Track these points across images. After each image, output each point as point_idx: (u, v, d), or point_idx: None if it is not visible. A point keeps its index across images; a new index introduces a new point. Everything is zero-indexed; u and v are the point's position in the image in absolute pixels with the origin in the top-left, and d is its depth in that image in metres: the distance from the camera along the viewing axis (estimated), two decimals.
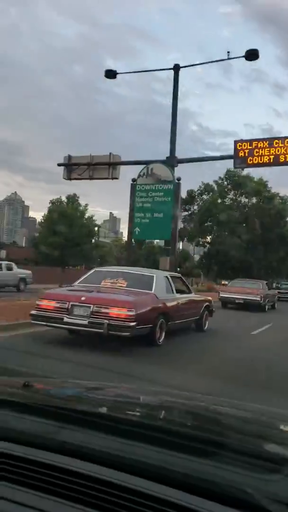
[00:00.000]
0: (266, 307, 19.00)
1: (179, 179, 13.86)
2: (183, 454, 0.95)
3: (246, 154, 14.10)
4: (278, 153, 13.62)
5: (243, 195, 39.75)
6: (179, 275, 10.15)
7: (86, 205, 41.70)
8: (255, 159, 13.99)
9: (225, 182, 40.59)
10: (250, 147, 14.13)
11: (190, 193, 37.95)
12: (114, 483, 0.87)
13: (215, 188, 40.35)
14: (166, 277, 8.69)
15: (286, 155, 13.63)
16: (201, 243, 40.12)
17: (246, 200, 40.35)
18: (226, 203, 38.49)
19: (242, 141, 14.11)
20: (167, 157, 14.05)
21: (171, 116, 14.14)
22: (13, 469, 0.94)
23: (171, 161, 14.06)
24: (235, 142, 13.99)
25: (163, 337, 7.77)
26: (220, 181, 40.42)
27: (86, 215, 38.79)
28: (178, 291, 9.12)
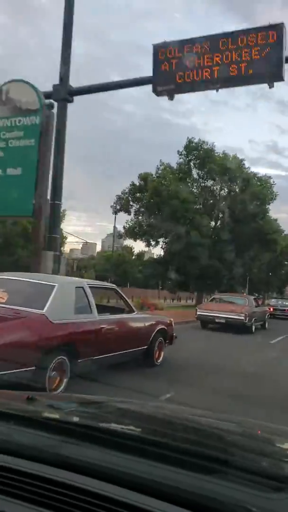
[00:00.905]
0: (253, 327, 17.30)
1: (51, 105, 9.07)
2: (185, 471, 0.96)
3: (174, 67, 8.76)
4: (232, 60, 8.23)
5: (209, 176, 32.68)
6: (112, 286, 7.80)
7: None
8: (191, 75, 8.59)
9: (184, 158, 33.23)
10: (179, 55, 8.80)
11: (145, 177, 30.52)
12: (115, 499, 0.89)
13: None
14: (80, 288, 6.04)
15: (248, 65, 8.17)
16: (152, 243, 33.03)
17: (214, 183, 33.61)
18: (185, 187, 32.06)
19: (165, 44, 8.95)
20: (54, 85, 9.71)
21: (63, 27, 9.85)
22: (14, 483, 0.96)
23: (61, 92, 9.57)
24: (155, 47, 9.09)
25: (64, 385, 5.06)
26: (180, 158, 32.82)
27: None
28: (107, 310, 6.94)
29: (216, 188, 31.54)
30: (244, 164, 31.87)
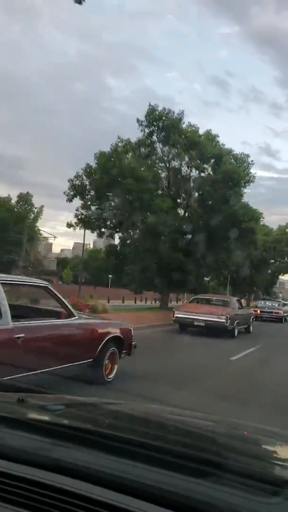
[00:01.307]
0: (235, 331, 16.25)
1: None
2: (179, 474, 0.97)
3: None
4: None
5: (175, 152, 25.94)
6: (43, 283, 6.02)
7: None
8: None
9: (144, 130, 26.34)
10: None
11: (102, 156, 24.66)
12: (107, 503, 0.89)
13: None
14: None
15: None
16: (106, 233, 27.51)
17: (180, 158, 26.61)
18: (140, 162, 25.12)
19: None
20: None
21: None
22: (4, 487, 0.96)
23: None
24: None
25: None
26: (140, 130, 26.22)
27: None
28: (33, 314, 5.82)
29: (184, 167, 26.37)
30: (218, 141, 26.70)
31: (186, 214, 26.46)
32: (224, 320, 14.70)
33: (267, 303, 32.28)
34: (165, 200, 23.69)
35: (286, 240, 45.25)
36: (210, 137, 26.07)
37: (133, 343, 6.67)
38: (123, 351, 6.53)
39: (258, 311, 30.03)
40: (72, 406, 1.72)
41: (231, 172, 24.26)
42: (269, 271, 49.88)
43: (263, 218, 29.61)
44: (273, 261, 46.73)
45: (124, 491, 0.91)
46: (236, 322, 15.48)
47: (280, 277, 54.26)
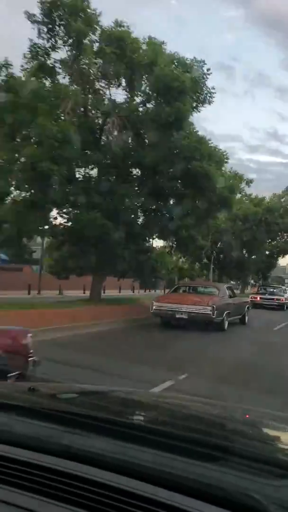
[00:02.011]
0: (225, 323, 14.18)
1: None
2: (189, 459, 1.01)
3: None
4: None
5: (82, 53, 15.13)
6: None
7: None
8: None
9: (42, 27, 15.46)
10: None
11: None
12: (118, 488, 0.94)
13: None
14: None
15: None
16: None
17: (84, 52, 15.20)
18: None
19: None
20: None
21: None
22: (17, 473, 1.02)
23: None
24: None
25: None
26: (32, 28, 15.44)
27: None
28: None
29: (100, 81, 16.42)
30: (165, 49, 16.07)
31: (106, 157, 16.39)
32: (210, 311, 12.32)
33: (268, 289, 31.14)
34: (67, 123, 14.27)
35: (281, 209, 35.50)
36: (152, 47, 15.79)
37: (31, 359, 4.18)
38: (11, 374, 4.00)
39: (258, 298, 28.43)
40: (82, 394, 1.82)
41: (169, 80, 14.35)
42: (267, 252, 40.44)
43: (227, 160, 17.77)
44: (269, 240, 38.55)
45: (134, 476, 0.97)
46: (226, 312, 14.41)
47: (281, 259, 45.76)
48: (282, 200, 36.95)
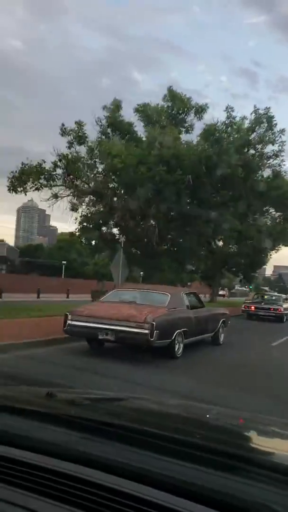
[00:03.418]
0: (176, 347, 9.68)
1: None
2: (208, 469, 1.02)
3: None
4: None
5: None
6: None
7: None
8: None
9: None
10: None
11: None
12: (136, 496, 0.95)
13: None
14: None
15: None
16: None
17: None
18: None
19: None
20: None
21: None
22: (35, 479, 1.04)
23: None
24: None
25: None
26: None
27: None
28: None
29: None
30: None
31: None
32: (147, 331, 7.52)
33: (265, 297, 28.01)
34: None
35: None
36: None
37: None
38: None
39: (253, 308, 24.90)
40: (99, 400, 1.86)
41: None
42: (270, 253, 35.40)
43: None
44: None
45: (152, 484, 0.97)
46: (178, 332, 9.84)
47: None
48: None
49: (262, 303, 24.52)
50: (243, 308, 24.59)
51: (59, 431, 1.20)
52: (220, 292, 67.51)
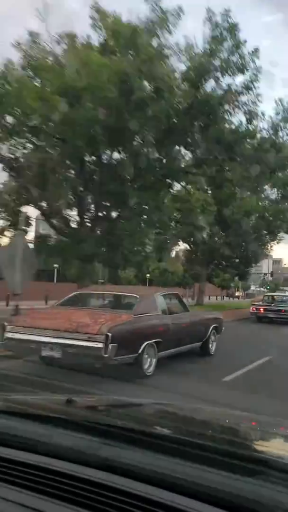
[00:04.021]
0: (148, 363, 7.76)
1: None
2: (226, 472, 1.06)
3: None
4: None
5: None
6: None
7: None
8: None
9: None
10: None
11: None
12: (157, 502, 0.98)
13: None
14: None
15: None
16: None
17: None
18: None
19: None
20: None
21: None
22: (56, 484, 1.09)
23: None
24: None
25: None
26: None
27: None
28: None
29: None
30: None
31: None
32: (100, 344, 5.33)
33: (276, 297, 24.72)
34: None
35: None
36: None
37: None
38: None
39: (261, 309, 22.49)
40: (119, 406, 1.92)
41: None
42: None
43: None
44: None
45: (173, 489, 1.03)
46: (146, 344, 7.84)
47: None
48: None
49: (272, 304, 22.97)
50: (252, 310, 23.66)
51: (79, 437, 1.26)
52: (236, 294, 65.27)
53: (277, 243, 31.69)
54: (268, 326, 21.25)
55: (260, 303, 24.34)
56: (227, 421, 1.86)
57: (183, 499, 0.95)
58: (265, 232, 29.12)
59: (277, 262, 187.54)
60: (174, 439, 1.27)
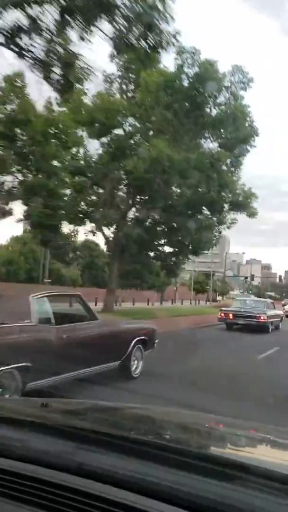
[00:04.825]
0: None
1: None
2: (204, 478, 1.04)
3: None
4: None
5: None
6: None
7: None
8: None
9: None
10: None
11: None
12: (131, 506, 0.97)
13: None
14: None
15: None
16: None
17: None
18: None
19: None
20: None
21: None
22: (30, 490, 1.07)
23: None
24: None
25: None
26: None
27: None
28: None
29: None
30: None
31: None
32: None
33: (247, 302, 23.31)
34: None
35: None
36: None
37: None
38: None
39: (230, 315, 20.57)
40: (94, 410, 1.92)
41: None
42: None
43: None
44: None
45: (147, 494, 1.02)
46: None
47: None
48: None
49: (242, 310, 20.06)
50: (220, 317, 20.83)
51: (54, 442, 1.25)
52: (218, 298, 62.55)
53: (227, 227, 23.23)
54: (241, 334, 19.07)
55: (230, 308, 22.28)
56: (203, 425, 1.86)
57: (159, 504, 0.95)
58: (203, 208, 21.87)
59: (267, 267, 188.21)
60: (149, 443, 1.27)
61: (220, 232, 24.00)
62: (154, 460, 1.07)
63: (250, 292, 76.93)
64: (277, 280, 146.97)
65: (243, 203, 21.64)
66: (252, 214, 22.05)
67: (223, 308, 23.50)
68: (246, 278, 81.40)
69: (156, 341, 8.95)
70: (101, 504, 0.95)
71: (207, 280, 60.22)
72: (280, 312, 24.50)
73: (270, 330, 20.37)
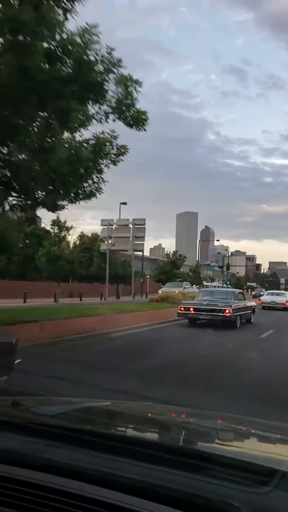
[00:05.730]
0: None
1: None
2: (172, 470, 1.09)
3: None
4: None
5: None
6: None
7: None
8: None
9: None
10: None
11: None
12: (102, 501, 1.00)
13: None
14: None
15: None
16: None
17: None
18: None
19: None
20: None
21: None
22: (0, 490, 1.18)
23: None
24: None
25: None
26: None
27: None
28: None
29: None
30: None
31: None
32: None
33: (210, 293, 20.04)
34: None
35: None
36: None
37: None
38: None
39: (191, 309, 17.68)
40: (65, 407, 1.93)
41: None
42: None
43: None
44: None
45: (118, 488, 1.03)
46: None
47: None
48: None
49: (205, 303, 16.76)
50: (179, 311, 17.36)
51: (24, 440, 1.26)
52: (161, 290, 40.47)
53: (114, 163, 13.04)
54: (203, 330, 16.07)
55: (191, 301, 19.50)
56: (170, 417, 1.89)
57: (131, 499, 0.96)
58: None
59: (251, 259, 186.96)
60: (119, 438, 1.30)
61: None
62: (123, 454, 1.09)
63: (228, 282, 71.00)
64: (262, 271, 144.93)
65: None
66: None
67: (183, 302, 20.30)
68: (221, 267, 72.84)
69: (16, 361, 5.61)
70: (71, 500, 0.96)
71: (175, 270, 48.16)
72: (252, 303, 22.02)
73: (238, 325, 17.57)
